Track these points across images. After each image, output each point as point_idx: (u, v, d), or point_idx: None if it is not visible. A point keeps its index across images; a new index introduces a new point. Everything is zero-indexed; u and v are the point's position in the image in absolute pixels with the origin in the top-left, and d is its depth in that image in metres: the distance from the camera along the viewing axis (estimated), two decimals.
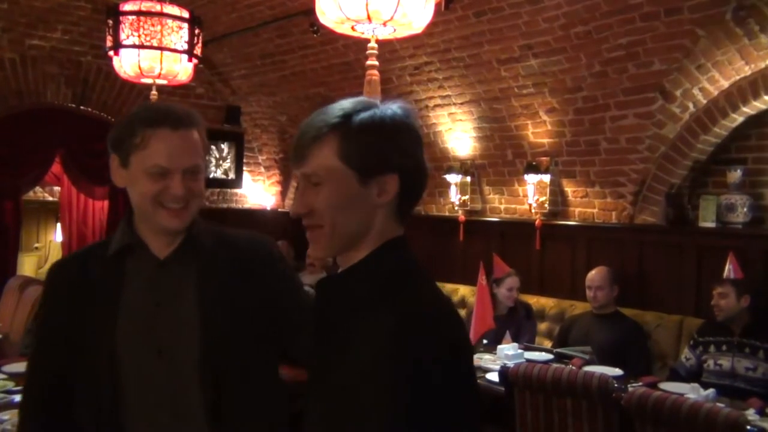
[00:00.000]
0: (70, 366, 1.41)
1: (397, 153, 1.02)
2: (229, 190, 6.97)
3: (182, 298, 1.42)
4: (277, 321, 1.49)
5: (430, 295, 1.03)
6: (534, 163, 4.93)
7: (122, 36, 3.22)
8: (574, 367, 3.38)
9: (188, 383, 1.39)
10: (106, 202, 6.70)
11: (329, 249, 1.05)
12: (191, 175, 1.40)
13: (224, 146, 6.88)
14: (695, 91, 4.07)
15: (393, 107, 1.05)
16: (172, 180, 1.38)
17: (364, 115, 1.02)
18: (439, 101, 5.29)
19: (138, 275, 1.43)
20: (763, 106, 4.06)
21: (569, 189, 4.97)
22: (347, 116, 1.02)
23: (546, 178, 4.88)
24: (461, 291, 5.47)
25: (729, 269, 3.80)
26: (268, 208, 7.15)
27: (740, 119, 4.16)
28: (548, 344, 4.58)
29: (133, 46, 3.23)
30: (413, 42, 4.65)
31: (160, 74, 3.38)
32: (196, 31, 3.39)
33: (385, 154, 1.01)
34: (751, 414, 2.94)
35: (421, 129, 1.14)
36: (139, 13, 3.21)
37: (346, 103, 1.05)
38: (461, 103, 5.16)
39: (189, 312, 1.40)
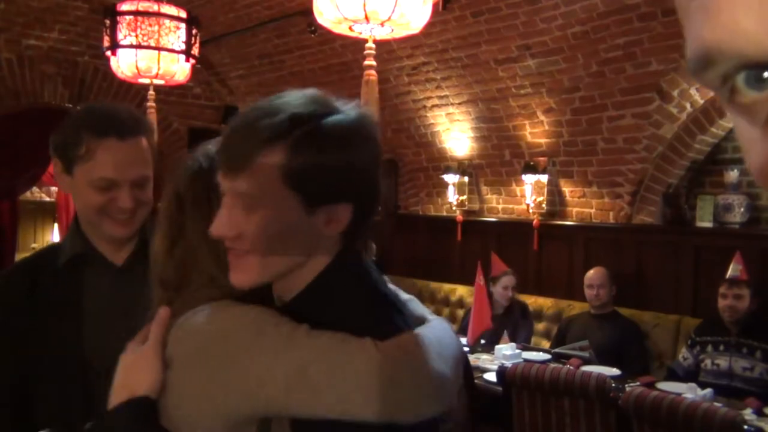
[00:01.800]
0: (33, 376, 1.35)
1: (357, 178, 0.84)
2: None
3: (147, 302, 1.40)
4: None
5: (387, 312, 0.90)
6: (531, 163, 4.93)
7: (119, 36, 3.21)
8: (571, 367, 3.38)
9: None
10: None
11: (257, 279, 0.86)
12: (139, 186, 1.34)
13: None
14: (692, 91, 4.08)
15: (352, 114, 0.85)
16: (120, 192, 1.31)
17: (320, 124, 0.82)
18: (436, 101, 5.29)
19: (97, 284, 1.39)
20: None
21: (567, 189, 4.97)
22: (299, 123, 0.82)
23: (543, 178, 4.88)
24: (459, 291, 5.47)
25: (737, 269, 3.77)
26: None
27: None
28: (546, 344, 4.58)
29: (131, 46, 3.23)
30: (411, 42, 4.65)
31: (157, 74, 3.37)
32: (194, 31, 3.38)
33: (343, 179, 0.83)
34: (748, 414, 2.95)
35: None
36: (136, 13, 3.20)
37: (295, 102, 0.84)
38: (459, 104, 5.16)
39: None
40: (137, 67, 3.32)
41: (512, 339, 4.26)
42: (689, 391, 3.17)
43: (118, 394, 0.87)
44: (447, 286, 5.53)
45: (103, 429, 0.86)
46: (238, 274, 0.86)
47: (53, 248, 1.46)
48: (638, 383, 3.39)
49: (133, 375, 0.86)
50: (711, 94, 4.08)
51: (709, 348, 3.65)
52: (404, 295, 1.04)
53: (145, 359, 0.85)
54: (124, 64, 3.35)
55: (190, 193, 0.96)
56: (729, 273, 3.77)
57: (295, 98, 0.85)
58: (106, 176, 1.30)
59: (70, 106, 5.92)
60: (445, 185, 5.55)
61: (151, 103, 3.58)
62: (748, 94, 0.34)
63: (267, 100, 0.87)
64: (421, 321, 0.96)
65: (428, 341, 0.85)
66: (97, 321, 1.36)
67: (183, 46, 3.31)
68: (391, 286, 1.00)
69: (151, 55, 3.31)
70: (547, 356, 3.99)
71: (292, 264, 0.86)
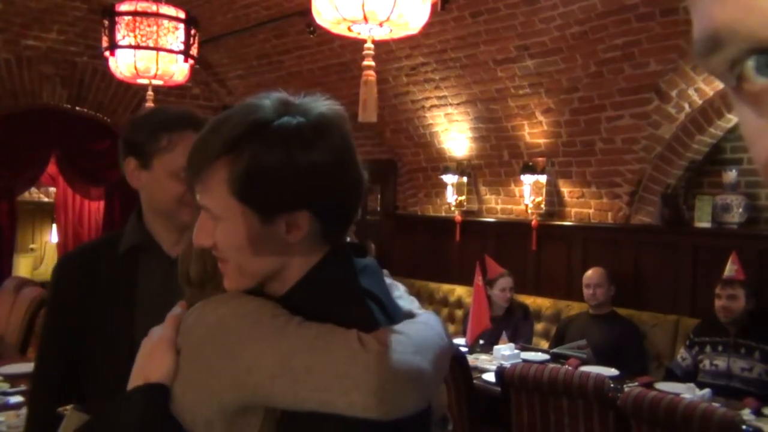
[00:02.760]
0: (85, 357, 1.45)
1: (308, 183, 0.82)
2: None
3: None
4: None
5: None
6: (530, 163, 4.93)
7: (118, 36, 3.22)
8: (570, 368, 3.38)
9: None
10: (101, 203, 6.69)
11: (239, 284, 0.88)
12: None
13: None
14: (691, 91, 4.08)
15: (309, 115, 0.84)
16: None
17: (261, 132, 0.81)
18: (435, 102, 5.29)
19: (153, 273, 1.48)
20: None
21: (565, 189, 4.97)
22: (239, 137, 0.81)
23: (542, 178, 4.89)
24: (458, 291, 5.47)
25: (732, 269, 3.78)
26: None
27: (735, 119, 4.17)
28: (545, 344, 4.58)
29: (129, 46, 3.23)
30: (409, 42, 4.65)
31: (156, 75, 3.37)
32: (192, 32, 3.38)
33: (289, 189, 0.82)
34: (746, 414, 2.95)
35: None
36: (135, 14, 3.20)
37: (241, 113, 0.84)
38: (457, 104, 5.16)
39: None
40: (136, 68, 3.32)
41: (513, 340, 4.26)
42: (688, 392, 3.17)
43: (135, 379, 0.89)
44: (445, 287, 5.54)
45: (118, 410, 0.88)
46: (226, 280, 0.89)
47: (114, 236, 1.55)
48: (636, 383, 3.39)
49: (149, 362, 0.89)
50: (710, 94, 4.08)
51: (708, 348, 3.66)
52: (398, 291, 1.05)
53: (160, 348, 0.89)
54: (122, 64, 3.35)
55: None
56: (725, 273, 3.77)
57: (245, 108, 0.86)
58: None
59: (69, 106, 5.92)
60: (444, 185, 5.56)
61: (149, 104, 3.58)
62: (757, 81, 0.31)
63: (225, 112, 0.88)
64: (409, 316, 0.97)
65: (406, 336, 0.86)
66: (148, 308, 1.44)
67: (182, 47, 3.31)
68: (389, 280, 1.01)
69: (150, 55, 3.31)
70: (546, 356, 3.99)
71: (270, 269, 0.87)
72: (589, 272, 4.38)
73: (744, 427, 2.71)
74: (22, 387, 2.93)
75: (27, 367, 3.33)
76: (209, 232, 0.86)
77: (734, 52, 0.31)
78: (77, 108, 5.96)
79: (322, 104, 0.87)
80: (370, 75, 2.43)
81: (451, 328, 5.22)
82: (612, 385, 3.02)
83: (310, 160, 0.81)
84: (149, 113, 1.54)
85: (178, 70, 3.45)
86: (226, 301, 0.87)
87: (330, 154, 0.83)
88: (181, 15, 3.34)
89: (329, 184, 0.84)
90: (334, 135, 0.84)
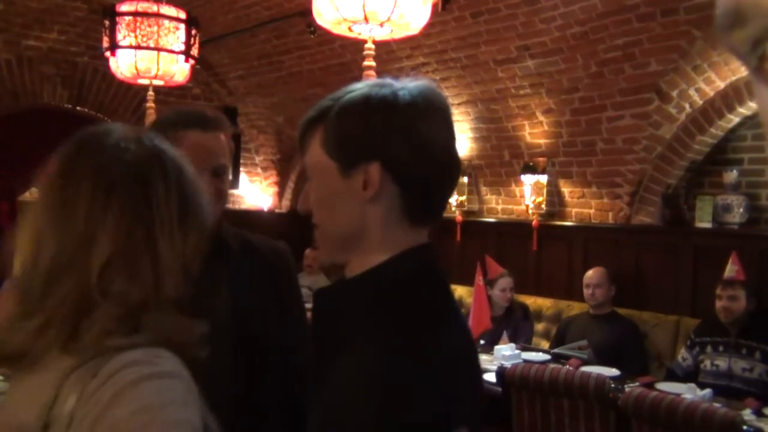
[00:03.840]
0: None
1: (377, 136, 0.87)
2: None
3: (216, 294, 1.51)
4: (283, 323, 1.60)
5: (437, 329, 0.86)
6: (531, 163, 4.93)
7: (119, 37, 3.22)
8: (570, 368, 3.38)
9: (222, 375, 1.48)
10: None
11: (325, 252, 0.94)
12: (218, 176, 1.49)
13: None
14: (691, 91, 4.08)
15: (399, 86, 0.90)
16: (201, 179, 1.44)
17: (348, 96, 0.90)
18: None
19: None
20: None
21: (566, 189, 4.97)
22: (333, 101, 0.91)
23: (543, 178, 4.89)
24: (458, 291, 5.46)
25: (733, 269, 3.78)
26: (265, 210, 7.14)
27: (736, 120, 4.17)
28: (545, 345, 4.58)
29: (130, 46, 3.23)
30: (410, 43, 4.65)
31: (156, 75, 3.37)
32: (193, 32, 3.38)
33: (360, 137, 0.88)
34: (747, 414, 2.95)
35: (449, 105, 1.00)
36: (135, 14, 3.21)
37: (347, 88, 0.93)
38: (458, 104, 5.16)
39: (224, 308, 1.49)
40: (136, 68, 3.32)
41: (513, 340, 4.26)
42: (688, 392, 3.17)
43: None
44: None
45: None
46: (318, 249, 0.95)
47: None
48: (637, 383, 3.39)
49: None
50: (710, 94, 4.08)
51: (709, 348, 3.65)
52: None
53: None
54: (123, 64, 3.35)
55: None
56: (725, 274, 3.77)
57: (352, 86, 0.93)
58: (191, 162, 1.43)
59: (69, 106, 5.93)
60: None
61: (150, 104, 3.58)
62: None
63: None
64: None
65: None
66: None
67: (182, 47, 3.31)
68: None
69: (151, 55, 3.31)
70: (547, 357, 3.99)
71: (346, 239, 0.90)
72: (590, 272, 4.38)
73: (745, 427, 2.71)
74: None
75: None
76: (307, 196, 0.94)
77: (757, 29, 0.30)
78: (78, 108, 5.96)
79: (412, 82, 0.93)
80: (371, 75, 2.43)
81: None
82: (613, 386, 3.02)
83: (386, 116, 0.87)
84: (166, 113, 1.59)
85: (179, 70, 3.45)
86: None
87: (412, 111, 0.88)
88: (182, 15, 3.34)
89: (401, 140, 0.87)
90: (433, 98, 0.92)
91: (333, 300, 0.94)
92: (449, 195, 0.94)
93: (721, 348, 3.61)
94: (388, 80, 0.92)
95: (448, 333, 0.89)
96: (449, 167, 0.91)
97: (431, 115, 0.90)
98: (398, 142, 0.87)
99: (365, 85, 0.92)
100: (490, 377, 3.55)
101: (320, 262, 1.01)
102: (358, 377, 0.80)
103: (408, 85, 0.91)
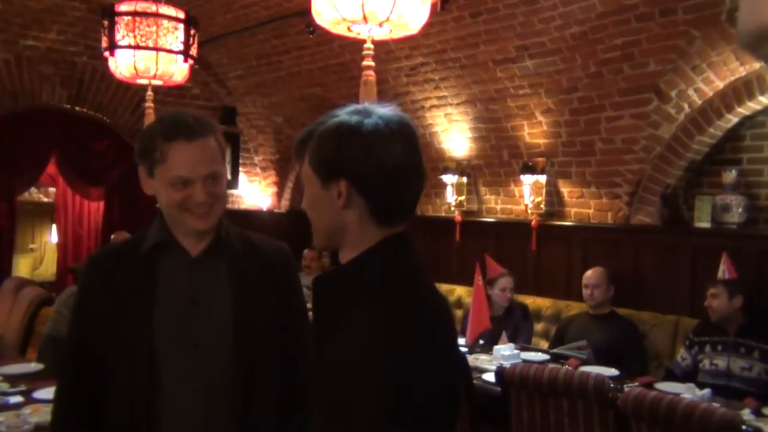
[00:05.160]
0: (106, 357, 1.47)
1: (344, 158, 1.05)
2: None
3: (216, 293, 1.52)
4: (284, 320, 1.60)
5: (424, 292, 1.09)
6: (530, 163, 4.93)
7: (117, 36, 3.21)
8: (570, 368, 3.38)
9: (221, 375, 1.49)
10: (101, 203, 6.68)
11: (318, 241, 1.17)
12: (212, 181, 1.49)
13: None
14: (690, 91, 4.08)
15: (376, 114, 1.07)
16: (194, 188, 1.47)
17: (328, 123, 1.09)
18: (435, 102, 5.30)
19: (172, 272, 1.52)
20: (758, 107, 4.07)
21: (565, 189, 4.97)
22: (318, 125, 1.10)
23: (542, 178, 4.89)
24: (457, 291, 5.47)
25: (723, 270, 3.81)
26: (264, 209, 7.14)
27: (735, 120, 4.17)
28: (544, 345, 4.58)
29: (129, 46, 3.23)
30: (409, 43, 4.65)
31: (155, 75, 3.37)
32: (192, 32, 3.38)
33: (332, 159, 1.07)
34: (746, 414, 2.95)
35: (416, 130, 1.11)
36: (134, 14, 3.20)
37: (330, 113, 1.11)
38: (457, 104, 5.17)
39: (223, 307, 1.51)
40: (135, 68, 3.32)
41: (512, 340, 4.26)
42: (687, 392, 3.17)
43: None
44: (445, 287, 5.53)
45: None
46: (315, 251, 1.17)
47: (138, 238, 1.60)
48: (636, 383, 3.39)
49: None
50: (709, 95, 4.09)
51: (708, 348, 3.66)
52: None
53: None
54: (122, 64, 3.35)
55: None
56: (718, 273, 3.80)
57: (342, 109, 1.10)
58: (180, 174, 1.46)
59: (68, 106, 5.92)
60: (444, 186, 5.56)
61: (149, 104, 3.58)
62: None
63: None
64: None
65: None
66: (167, 307, 1.49)
67: (181, 47, 3.31)
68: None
69: (150, 55, 3.31)
70: (546, 357, 3.99)
71: (332, 235, 1.11)
72: (589, 272, 4.38)
73: (744, 427, 2.71)
74: (22, 387, 2.93)
75: (27, 367, 3.33)
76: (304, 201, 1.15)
77: None
78: (77, 108, 5.96)
79: (382, 110, 1.09)
80: (370, 75, 2.44)
81: None
82: (612, 385, 3.02)
83: (352, 142, 1.05)
84: (153, 122, 1.58)
85: (178, 70, 3.45)
86: None
87: (372, 136, 1.05)
88: (181, 15, 3.34)
89: (362, 161, 1.04)
90: (399, 124, 1.07)
91: (332, 283, 1.13)
92: (413, 202, 1.12)
93: (719, 347, 3.61)
94: (366, 107, 1.09)
95: (424, 292, 1.10)
96: (407, 183, 1.09)
97: (392, 140, 1.05)
98: (360, 163, 1.05)
99: (344, 112, 1.09)
100: (490, 377, 3.55)
101: (317, 245, 1.19)
102: (365, 330, 0.98)
103: (380, 112, 1.07)
